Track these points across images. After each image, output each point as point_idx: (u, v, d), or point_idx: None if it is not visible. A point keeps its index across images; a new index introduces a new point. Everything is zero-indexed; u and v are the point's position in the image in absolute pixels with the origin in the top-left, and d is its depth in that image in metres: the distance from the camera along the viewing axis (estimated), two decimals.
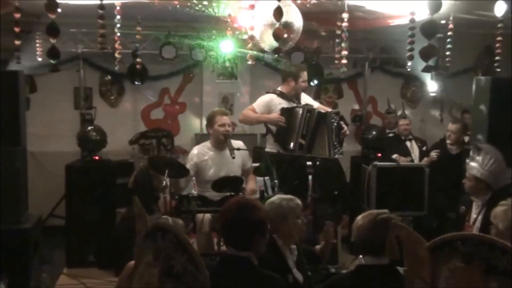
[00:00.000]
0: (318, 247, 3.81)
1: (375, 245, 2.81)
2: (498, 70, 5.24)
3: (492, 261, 1.90)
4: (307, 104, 5.33)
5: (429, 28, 3.36)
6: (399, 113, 7.26)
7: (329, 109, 5.49)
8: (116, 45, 4.95)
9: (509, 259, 1.86)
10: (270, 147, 5.28)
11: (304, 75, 5.38)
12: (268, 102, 5.35)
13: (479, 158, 4.09)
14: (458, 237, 2.03)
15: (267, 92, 5.50)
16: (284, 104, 5.29)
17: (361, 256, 2.88)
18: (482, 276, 1.89)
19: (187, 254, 2.07)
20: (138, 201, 2.56)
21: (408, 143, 6.82)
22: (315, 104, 5.54)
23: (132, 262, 2.82)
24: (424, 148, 6.75)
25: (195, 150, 5.15)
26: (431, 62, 3.74)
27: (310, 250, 3.64)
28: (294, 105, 5.29)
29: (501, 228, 3.00)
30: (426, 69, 3.76)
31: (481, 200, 4.11)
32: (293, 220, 3.33)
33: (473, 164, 4.14)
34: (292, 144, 5.11)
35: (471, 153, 4.25)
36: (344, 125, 5.27)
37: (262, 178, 5.29)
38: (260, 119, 5.40)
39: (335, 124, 5.15)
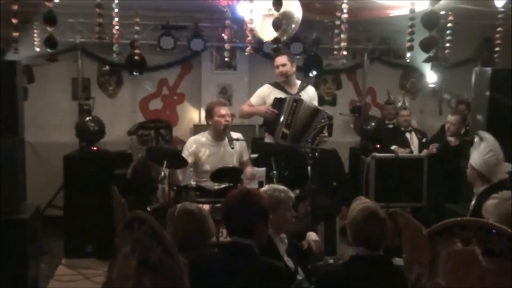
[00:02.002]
0: (304, 243, 3.79)
1: (370, 238, 2.82)
2: (498, 61, 5.24)
3: (489, 244, 1.95)
4: (297, 95, 5.32)
5: (430, 19, 3.34)
6: (399, 104, 7.24)
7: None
8: (115, 33, 4.91)
9: (505, 242, 1.90)
10: (269, 138, 5.31)
11: (278, 60, 5.34)
12: (262, 93, 5.44)
13: (480, 147, 4.09)
14: (457, 223, 2.07)
15: (267, 83, 5.54)
16: (278, 94, 5.32)
17: (355, 247, 2.89)
18: (480, 258, 1.93)
19: (162, 245, 2.06)
20: (116, 191, 2.55)
21: (408, 135, 6.81)
22: (315, 102, 5.51)
23: None
24: (424, 140, 6.74)
25: (192, 139, 5.16)
26: (431, 53, 3.72)
27: (296, 244, 3.65)
28: (286, 95, 5.30)
29: (494, 221, 2.99)
30: (428, 60, 3.75)
31: (479, 191, 4.11)
32: (283, 212, 3.34)
33: (474, 152, 4.15)
34: (276, 133, 5.16)
35: (474, 141, 4.23)
36: (325, 132, 5.23)
37: (261, 169, 5.31)
38: (252, 112, 5.52)
39: (321, 125, 5.16)
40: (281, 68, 5.34)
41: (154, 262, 2.07)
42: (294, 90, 5.39)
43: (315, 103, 5.51)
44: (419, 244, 2.11)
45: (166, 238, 2.06)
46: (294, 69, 5.45)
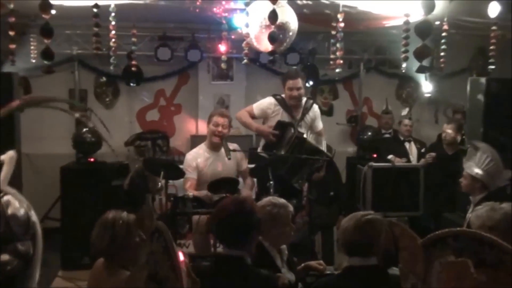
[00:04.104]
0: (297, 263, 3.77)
1: (362, 247, 2.81)
2: (492, 70, 5.27)
3: (481, 255, 1.96)
4: (299, 132, 5.08)
5: (423, 28, 3.37)
6: (403, 113, 7.24)
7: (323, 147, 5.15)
8: (112, 45, 4.92)
9: (496, 253, 1.91)
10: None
11: (294, 83, 5.17)
12: (266, 108, 5.32)
13: (476, 157, 4.09)
14: (450, 233, 2.09)
15: (273, 95, 5.41)
16: (281, 114, 5.23)
17: (348, 257, 2.88)
18: (471, 270, 1.93)
19: (171, 261, 2.06)
20: (150, 200, 2.57)
21: (407, 144, 6.84)
22: (320, 126, 5.42)
23: (100, 260, 2.84)
24: (422, 150, 6.77)
25: (191, 155, 5.13)
26: (425, 63, 3.74)
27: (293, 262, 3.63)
28: (290, 120, 5.19)
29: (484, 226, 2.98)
30: (420, 70, 3.75)
31: (476, 200, 4.11)
32: (281, 227, 3.30)
33: (470, 162, 4.14)
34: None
35: (468, 151, 4.24)
36: (322, 171, 5.11)
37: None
38: (251, 128, 5.43)
39: (318, 165, 5.04)
40: (295, 92, 5.18)
41: (161, 277, 2.08)
42: (299, 112, 5.28)
43: (319, 123, 5.43)
44: (414, 254, 2.13)
45: (175, 254, 2.07)
46: (304, 91, 5.34)
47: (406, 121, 6.95)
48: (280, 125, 5.09)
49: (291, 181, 4.92)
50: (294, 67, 7.32)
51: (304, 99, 5.35)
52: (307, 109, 5.32)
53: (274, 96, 5.37)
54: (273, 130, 5.09)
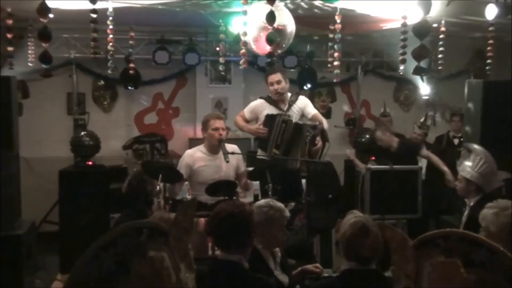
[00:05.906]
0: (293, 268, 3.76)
1: (361, 252, 2.81)
2: (489, 73, 5.28)
3: (470, 255, 1.97)
4: (285, 114, 5.29)
5: (421, 29, 3.37)
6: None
7: (321, 120, 5.31)
8: (110, 49, 4.92)
9: (485, 253, 1.93)
10: (262, 151, 5.33)
11: (273, 77, 5.36)
12: (255, 108, 5.49)
13: (469, 159, 4.09)
14: (440, 234, 2.10)
15: (260, 97, 5.57)
16: (270, 109, 5.36)
17: (347, 261, 2.88)
18: (461, 270, 1.95)
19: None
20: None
21: None
22: (312, 111, 5.49)
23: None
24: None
25: (188, 153, 5.18)
26: (424, 65, 3.74)
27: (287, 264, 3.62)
28: (278, 112, 5.32)
29: (493, 230, 3.01)
30: (417, 71, 3.75)
31: (471, 202, 4.11)
32: (275, 231, 3.30)
33: (464, 165, 4.14)
34: (268, 153, 5.16)
35: (462, 154, 4.25)
36: (318, 140, 5.12)
37: (256, 182, 5.31)
38: (244, 130, 5.61)
39: (309, 137, 5.11)
40: (276, 86, 5.34)
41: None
42: (285, 105, 5.42)
43: (310, 109, 5.50)
44: (405, 256, 2.13)
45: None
46: (288, 85, 5.47)
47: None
48: (268, 118, 5.25)
49: (291, 160, 5.13)
50: (291, 69, 7.36)
51: (289, 94, 5.49)
52: (293, 101, 5.46)
53: (261, 97, 5.56)
54: (262, 126, 5.26)
